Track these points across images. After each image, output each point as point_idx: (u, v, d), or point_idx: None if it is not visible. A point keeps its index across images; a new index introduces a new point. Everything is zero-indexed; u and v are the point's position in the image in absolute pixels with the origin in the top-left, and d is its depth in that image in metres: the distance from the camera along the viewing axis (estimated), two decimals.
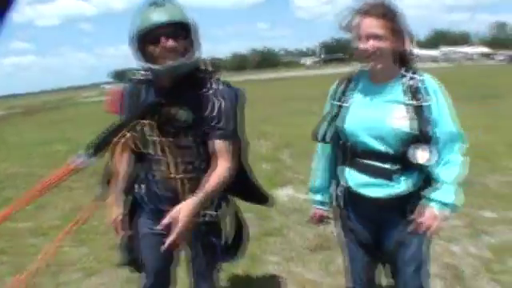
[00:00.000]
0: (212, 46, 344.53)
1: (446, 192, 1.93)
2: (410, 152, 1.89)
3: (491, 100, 14.15)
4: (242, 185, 2.16)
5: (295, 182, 6.12)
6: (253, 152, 7.74)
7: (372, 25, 1.86)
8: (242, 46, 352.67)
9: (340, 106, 2.04)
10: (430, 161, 1.89)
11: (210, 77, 1.98)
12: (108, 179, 2.16)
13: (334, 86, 2.13)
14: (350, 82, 2.08)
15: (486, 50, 71.30)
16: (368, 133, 1.94)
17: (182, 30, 1.85)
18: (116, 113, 2.17)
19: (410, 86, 1.92)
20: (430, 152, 1.89)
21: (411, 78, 1.93)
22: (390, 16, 1.87)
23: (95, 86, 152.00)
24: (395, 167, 1.93)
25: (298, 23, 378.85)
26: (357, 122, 1.97)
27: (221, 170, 1.94)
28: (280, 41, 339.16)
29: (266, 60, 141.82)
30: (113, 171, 2.12)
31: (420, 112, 1.88)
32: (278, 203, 5.13)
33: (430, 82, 1.94)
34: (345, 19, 1.97)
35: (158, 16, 1.80)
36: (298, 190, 5.70)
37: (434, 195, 1.94)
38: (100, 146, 1.90)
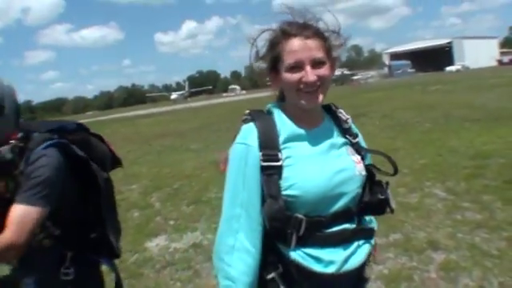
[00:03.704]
0: (79, 86, 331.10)
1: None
2: (390, 199, 1.55)
3: None
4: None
5: (167, 230, 5.74)
6: (124, 199, 7.31)
7: (312, 47, 1.42)
8: (110, 84, 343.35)
9: (279, 168, 1.43)
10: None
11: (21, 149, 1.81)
12: None
13: (250, 138, 1.47)
14: (273, 128, 1.49)
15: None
16: (337, 191, 1.46)
17: None
18: None
19: (343, 123, 1.60)
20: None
21: (338, 113, 1.62)
22: (323, 34, 1.48)
23: None
24: (360, 220, 1.56)
25: (162, 58, 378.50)
26: (322, 182, 1.43)
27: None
28: (147, 77, 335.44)
29: (133, 96, 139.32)
30: None
31: (358, 150, 1.58)
32: (149, 258, 4.79)
33: (346, 113, 1.65)
34: (264, 44, 1.53)
35: None
36: (172, 239, 5.34)
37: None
38: None
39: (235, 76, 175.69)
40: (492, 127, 10.12)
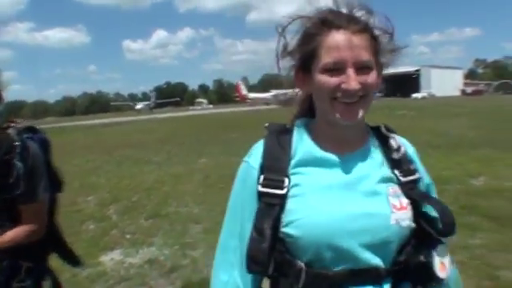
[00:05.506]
0: (39, 90, 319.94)
1: None
2: (435, 260, 1.10)
3: None
4: (54, 242, 2.12)
5: (123, 244, 5.62)
6: (79, 210, 7.14)
7: (359, 46, 1.09)
8: (73, 89, 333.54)
9: (283, 197, 1.12)
10: (448, 272, 1.12)
11: (8, 135, 1.85)
12: None
13: (253, 157, 1.20)
14: (286, 148, 1.18)
15: None
16: (355, 241, 1.08)
17: None
18: None
19: (393, 152, 1.21)
20: (449, 258, 1.13)
21: (390, 138, 1.24)
22: (374, 32, 1.15)
23: None
24: (396, 286, 1.13)
25: (129, 66, 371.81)
26: (334, 225, 1.08)
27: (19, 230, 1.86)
28: (113, 84, 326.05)
29: (97, 104, 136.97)
30: None
31: (409, 193, 1.15)
32: (102, 272, 4.67)
33: (405, 142, 1.29)
34: (295, 34, 1.18)
35: None
36: (127, 254, 5.22)
37: None
38: None
39: (203, 89, 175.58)
40: (452, 154, 10.67)
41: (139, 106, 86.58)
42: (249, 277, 1.17)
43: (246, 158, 1.22)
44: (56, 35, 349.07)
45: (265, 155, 1.16)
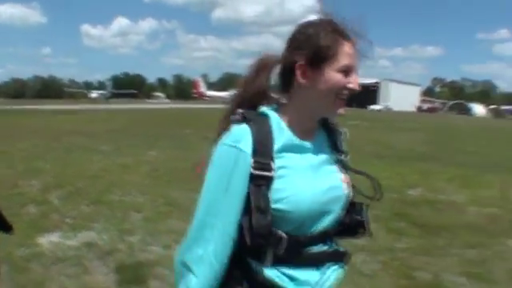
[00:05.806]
0: None
1: None
2: (368, 219, 1.50)
3: None
4: None
5: (62, 227, 5.61)
6: (21, 193, 7.03)
7: (355, 54, 1.37)
8: (23, 71, 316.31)
9: (270, 179, 1.28)
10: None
11: None
12: None
13: (243, 142, 1.30)
14: (269, 134, 1.33)
15: None
16: (323, 210, 1.36)
17: None
18: None
19: (337, 136, 1.53)
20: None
21: (333, 125, 1.54)
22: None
23: None
24: (336, 244, 1.47)
25: (87, 52, 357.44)
26: (314, 199, 1.32)
27: None
28: (68, 70, 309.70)
29: (49, 89, 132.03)
30: None
31: (347, 168, 1.50)
32: (39, 253, 4.68)
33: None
34: (322, 38, 1.33)
35: None
36: (65, 237, 5.24)
37: None
38: None
39: (162, 83, 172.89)
40: (395, 165, 11.35)
41: (94, 94, 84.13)
42: (222, 254, 1.30)
43: (232, 143, 1.30)
44: (7, 11, 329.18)
45: (255, 140, 1.29)
